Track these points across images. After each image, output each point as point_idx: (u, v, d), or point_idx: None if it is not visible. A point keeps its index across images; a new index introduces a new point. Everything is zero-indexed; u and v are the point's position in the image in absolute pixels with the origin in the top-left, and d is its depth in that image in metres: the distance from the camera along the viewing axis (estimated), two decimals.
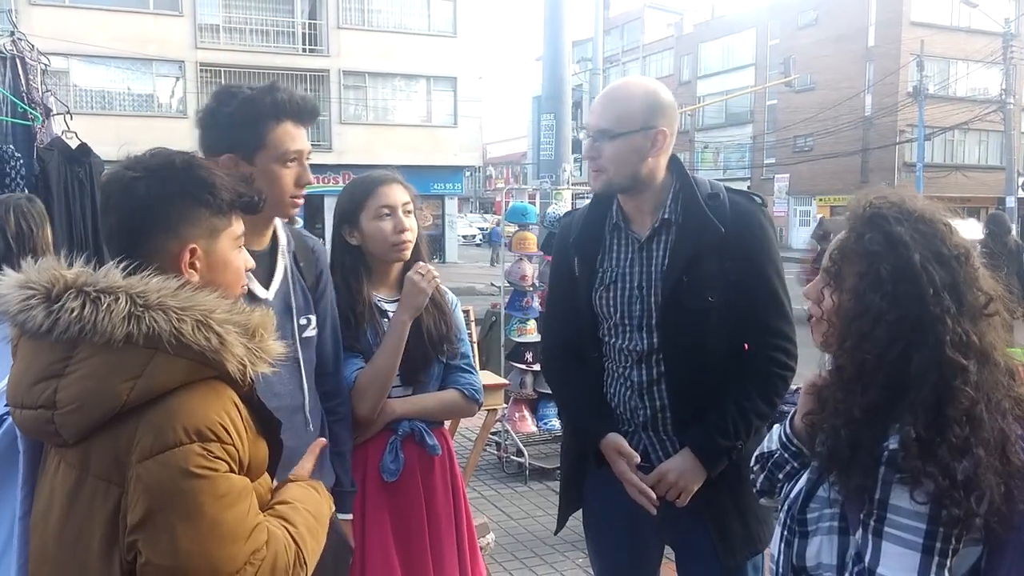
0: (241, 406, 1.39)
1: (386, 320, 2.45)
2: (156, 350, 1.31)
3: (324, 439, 1.84)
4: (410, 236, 2.43)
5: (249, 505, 1.35)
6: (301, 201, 2.09)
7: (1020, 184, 31.24)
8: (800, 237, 35.42)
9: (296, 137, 2.02)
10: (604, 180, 2.23)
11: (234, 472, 1.33)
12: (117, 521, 1.31)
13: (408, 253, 2.45)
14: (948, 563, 1.35)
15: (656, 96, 2.22)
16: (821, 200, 35.00)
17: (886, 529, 1.38)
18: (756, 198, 2.34)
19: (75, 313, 1.31)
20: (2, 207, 3.00)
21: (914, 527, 1.35)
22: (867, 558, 1.39)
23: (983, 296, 1.45)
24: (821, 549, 1.53)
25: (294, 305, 2.10)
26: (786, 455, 1.71)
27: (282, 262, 2.12)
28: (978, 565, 1.41)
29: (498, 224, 24.16)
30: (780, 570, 1.61)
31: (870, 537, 1.39)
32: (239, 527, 1.31)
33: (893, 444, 1.38)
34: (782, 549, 1.60)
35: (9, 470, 1.49)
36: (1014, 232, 8.78)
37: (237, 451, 1.34)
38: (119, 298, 1.32)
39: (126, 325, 1.30)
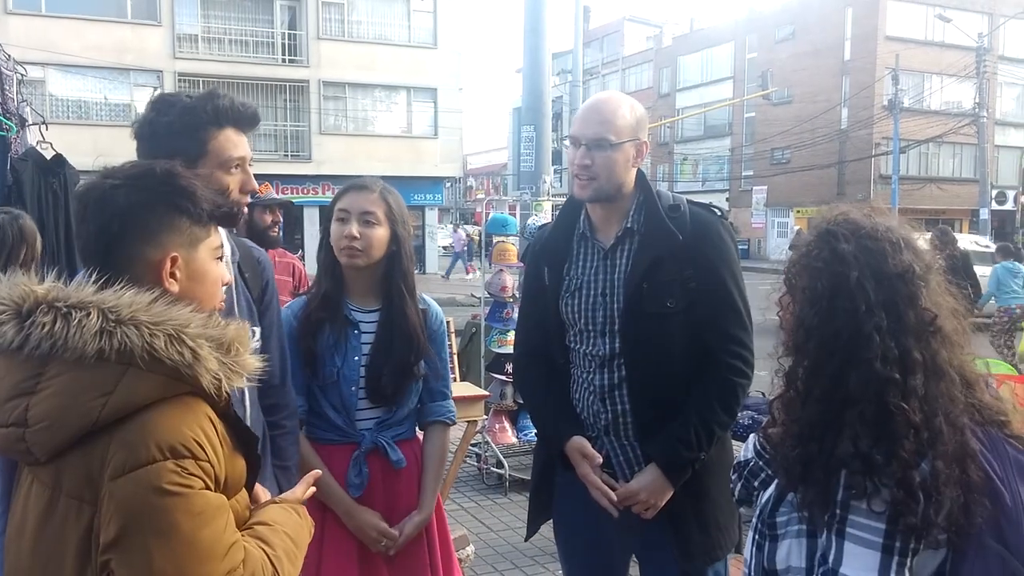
0: (217, 421, 1.37)
1: (355, 331, 2.43)
2: (128, 366, 1.29)
3: (318, 471, 1.82)
4: (358, 245, 2.39)
5: (226, 522, 1.33)
6: (245, 210, 2.07)
7: (993, 196, 31.65)
8: (777, 248, 35.71)
9: (238, 144, 2.00)
10: (595, 187, 2.29)
11: (210, 489, 1.31)
12: (90, 540, 1.28)
13: (358, 261, 2.41)
14: (908, 562, 1.38)
15: (639, 110, 2.36)
16: (799, 212, 35.28)
17: (847, 529, 1.41)
18: (716, 210, 2.42)
19: (46, 329, 1.29)
20: None
21: (874, 527, 1.39)
22: (831, 558, 1.42)
23: (928, 313, 1.47)
24: (790, 552, 1.57)
25: (237, 316, 2.05)
26: (760, 463, 1.75)
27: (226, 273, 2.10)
28: (943, 568, 1.44)
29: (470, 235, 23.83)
30: (752, 574, 1.64)
31: (833, 538, 1.43)
32: (215, 545, 1.28)
33: (844, 449, 1.41)
34: (753, 553, 1.64)
35: None
36: (971, 242, 9.01)
37: (213, 467, 1.31)
38: (90, 313, 1.30)
39: (97, 341, 1.28)
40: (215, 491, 1.33)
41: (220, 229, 2.05)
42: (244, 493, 1.48)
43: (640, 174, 2.39)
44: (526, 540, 2.69)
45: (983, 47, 28.98)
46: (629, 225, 2.33)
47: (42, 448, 1.30)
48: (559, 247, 2.43)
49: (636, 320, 2.26)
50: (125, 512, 1.24)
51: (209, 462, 1.31)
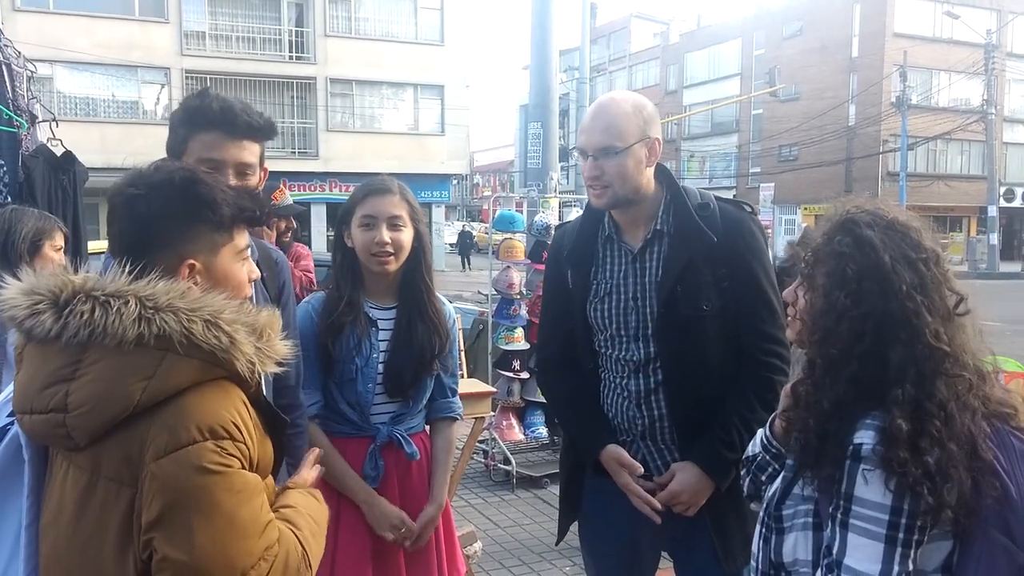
0: (249, 405, 1.41)
1: (373, 329, 2.46)
2: (167, 351, 1.33)
3: (318, 448, 1.84)
4: (389, 249, 2.42)
5: (262, 502, 1.38)
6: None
7: (1002, 193, 31.52)
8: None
9: (215, 146, 1.98)
10: (610, 195, 2.23)
11: (246, 469, 1.36)
12: (131, 522, 1.32)
13: (390, 266, 2.44)
14: (912, 554, 1.40)
15: (646, 107, 2.27)
16: (806, 209, 35.19)
17: (851, 521, 1.43)
18: (746, 207, 2.36)
19: (85, 317, 1.33)
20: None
21: (877, 518, 1.40)
22: (835, 550, 1.44)
23: (953, 296, 1.50)
24: (797, 545, 1.59)
25: None
26: (767, 457, 1.76)
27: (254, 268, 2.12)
28: (950, 561, 1.45)
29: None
30: (760, 567, 1.66)
31: (837, 529, 1.44)
32: (254, 523, 1.33)
33: (859, 439, 1.43)
34: (761, 546, 1.66)
35: (13, 480, 1.49)
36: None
37: (248, 449, 1.36)
38: (129, 301, 1.34)
39: (137, 327, 1.32)
40: (251, 472, 1.37)
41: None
42: (271, 478, 1.52)
43: (666, 172, 2.33)
44: (556, 544, 2.68)
45: (991, 44, 28.89)
46: (659, 227, 2.26)
47: (82, 432, 1.34)
48: (584, 250, 2.37)
49: (671, 324, 2.21)
50: (168, 491, 1.28)
51: (245, 443, 1.36)
